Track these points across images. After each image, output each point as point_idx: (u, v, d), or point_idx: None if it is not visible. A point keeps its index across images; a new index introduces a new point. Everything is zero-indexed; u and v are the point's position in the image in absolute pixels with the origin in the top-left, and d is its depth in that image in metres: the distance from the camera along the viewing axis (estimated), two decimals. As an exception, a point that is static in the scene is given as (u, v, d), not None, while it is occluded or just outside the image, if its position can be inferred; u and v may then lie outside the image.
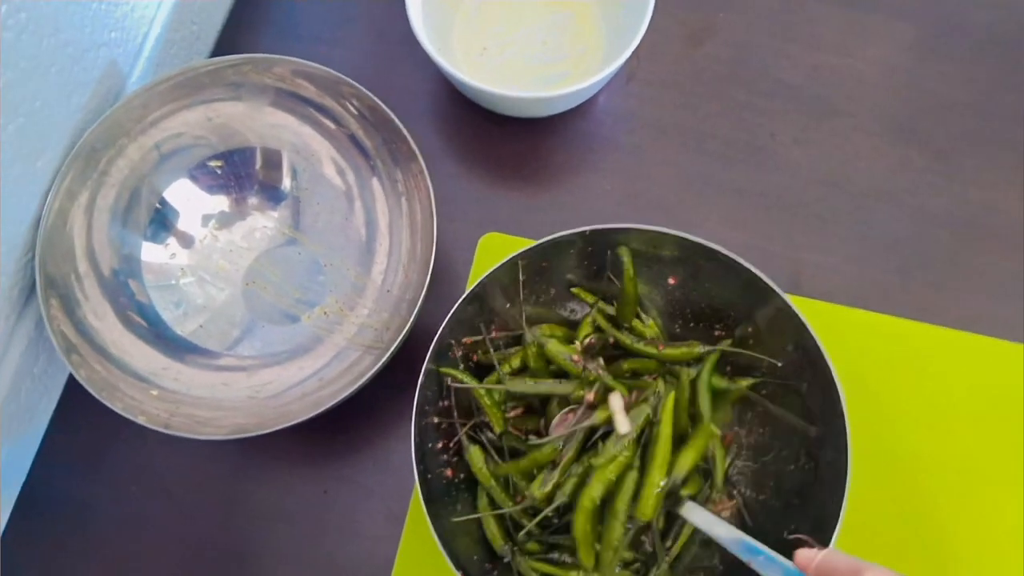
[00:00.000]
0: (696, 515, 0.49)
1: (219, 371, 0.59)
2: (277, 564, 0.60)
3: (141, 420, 0.53)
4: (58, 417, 0.63)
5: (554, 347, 0.55)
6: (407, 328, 0.54)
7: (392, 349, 0.54)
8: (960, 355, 0.62)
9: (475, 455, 0.54)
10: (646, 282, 0.57)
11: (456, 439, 0.55)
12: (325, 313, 0.62)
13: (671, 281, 0.57)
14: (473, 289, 0.53)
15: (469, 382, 0.54)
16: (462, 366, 0.56)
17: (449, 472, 0.55)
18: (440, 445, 0.55)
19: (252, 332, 0.61)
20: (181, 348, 0.59)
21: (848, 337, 0.62)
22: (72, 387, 0.63)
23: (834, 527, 0.46)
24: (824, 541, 0.46)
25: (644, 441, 0.52)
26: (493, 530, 0.54)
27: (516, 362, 0.56)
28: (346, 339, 0.61)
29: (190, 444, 0.61)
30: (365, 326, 0.61)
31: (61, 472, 0.62)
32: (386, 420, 0.62)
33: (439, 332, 0.51)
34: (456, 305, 0.52)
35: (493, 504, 0.55)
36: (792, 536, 0.48)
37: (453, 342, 0.54)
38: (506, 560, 0.53)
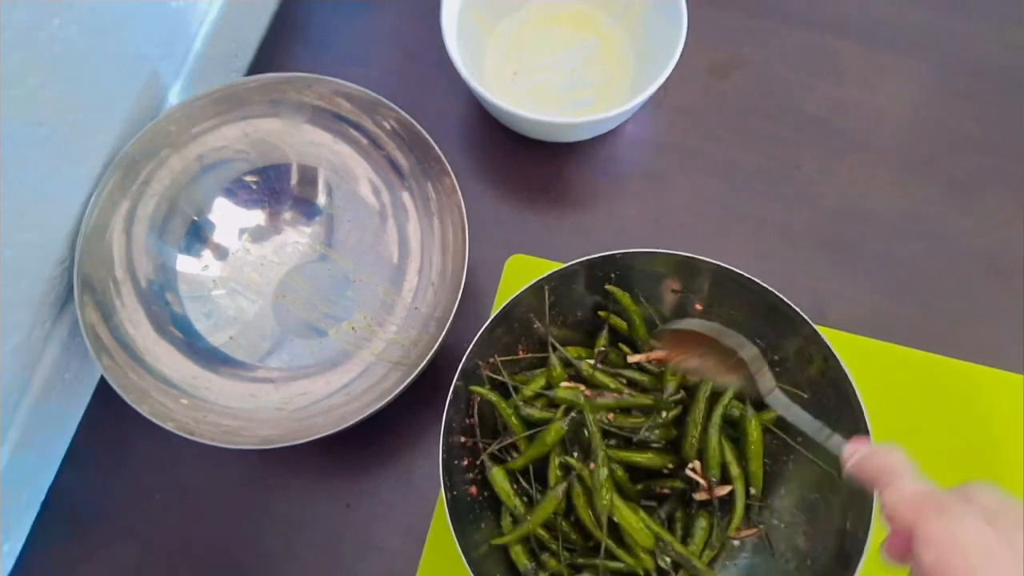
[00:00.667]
0: (780, 402, 0.48)
1: (249, 382, 0.60)
2: (298, 575, 0.60)
3: (169, 426, 0.54)
4: (86, 423, 0.63)
5: (563, 392, 0.55)
6: (436, 346, 0.55)
7: (421, 367, 0.55)
8: (980, 389, 0.62)
9: (497, 476, 0.55)
10: (670, 308, 0.58)
11: (481, 459, 0.56)
12: (353, 328, 0.63)
13: (697, 307, 0.58)
14: (501, 311, 0.53)
15: (498, 401, 0.55)
16: (488, 385, 0.56)
17: (473, 490, 0.55)
18: (465, 463, 0.55)
19: (281, 345, 0.62)
20: (213, 358, 0.60)
21: (870, 368, 0.62)
22: (101, 393, 0.64)
23: (860, 554, 0.46)
24: (850, 568, 0.46)
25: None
26: (517, 550, 0.54)
27: (539, 384, 0.57)
28: (374, 355, 0.61)
29: (215, 454, 0.61)
30: (393, 343, 0.61)
31: (87, 476, 0.62)
32: (410, 436, 0.62)
33: (467, 351, 0.52)
34: (484, 327, 0.53)
35: (516, 523, 0.55)
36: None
37: (480, 362, 0.55)
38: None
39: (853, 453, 0.38)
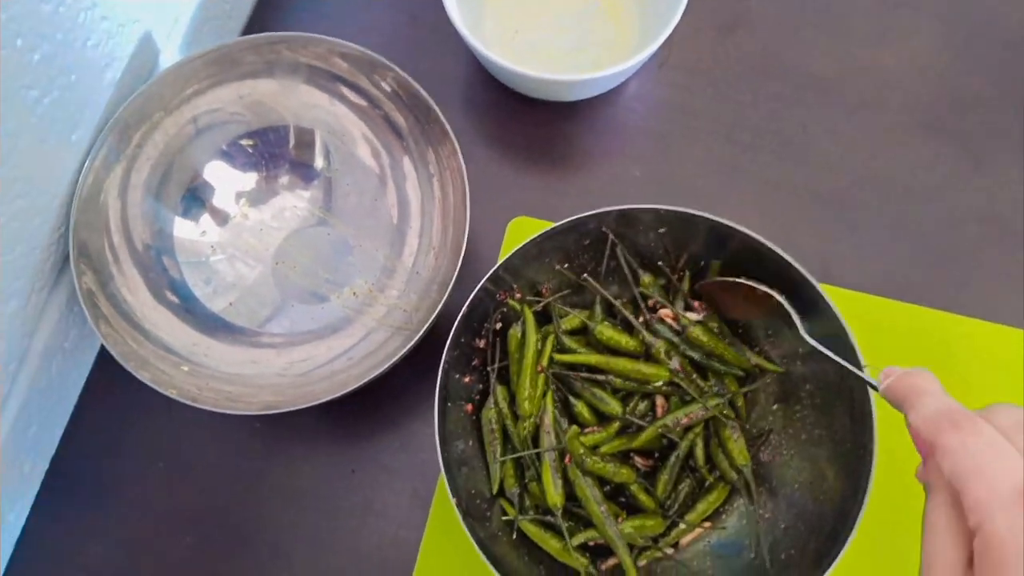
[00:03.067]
0: (814, 339, 0.49)
1: (249, 348, 0.59)
2: (301, 543, 0.60)
3: (171, 393, 0.53)
4: (87, 393, 0.63)
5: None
6: (437, 311, 0.54)
7: (422, 331, 0.54)
8: (988, 345, 0.62)
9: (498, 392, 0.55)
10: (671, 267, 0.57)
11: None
12: (354, 294, 0.62)
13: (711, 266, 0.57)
14: (495, 270, 0.53)
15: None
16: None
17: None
18: (467, 408, 0.56)
19: (282, 311, 0.61)
20: (213, 325, 0.60)
21: (875, 325, 0.62)
22: (101, 363, 0.63)
23: (858, 513, 0.46)
24: (847, 528, 0.46)
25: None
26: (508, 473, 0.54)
27: (576, 322, 0.57)
28: (375, 320, 0.61)
29: (217, 421, 0.61)
30: (394, 307, 0.61)
31: (89, 447, 0.62)
32: (413, 402, 0.62)
33: (472, 296, 0.52)
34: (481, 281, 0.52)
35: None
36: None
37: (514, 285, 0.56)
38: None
39: (887, 377, 0.39)
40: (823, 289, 0.50)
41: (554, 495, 0.52)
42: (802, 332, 0.49)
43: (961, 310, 0.63)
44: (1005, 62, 0.69)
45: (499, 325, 0.57)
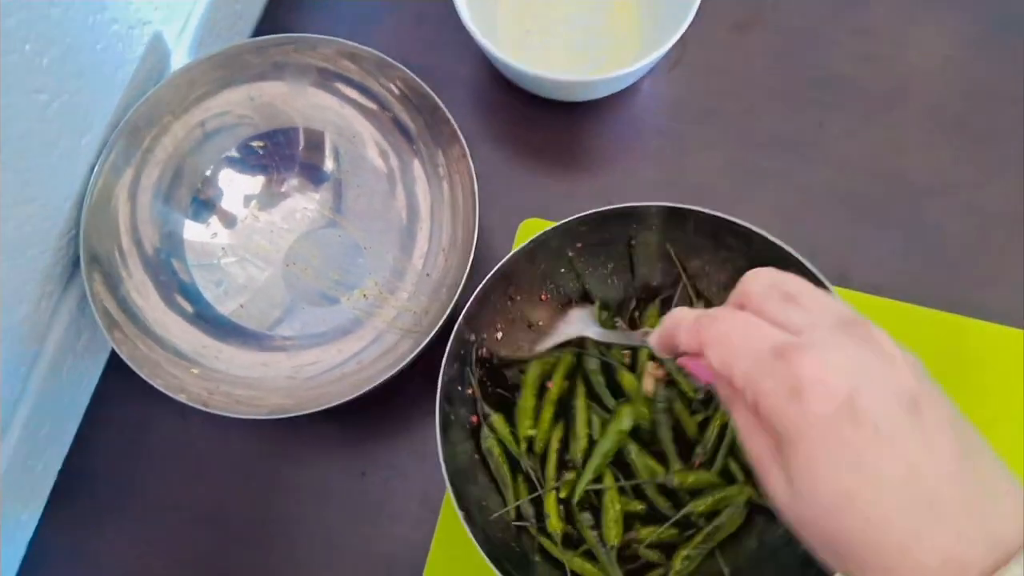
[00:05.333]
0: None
1: (260, 351, 0.59)
2: (313, 544, 0.60)
3: (182, 398, 0.53)
4: (99, 394, 0.63)
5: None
6: (447, 313, 0.54)
7: (432, 334, 0.54)
8: (1008, 352, 0.60)
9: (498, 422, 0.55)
10: (687, 270, 0.57)
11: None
12: (365, 296, 0.62)
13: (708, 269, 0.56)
14: (497, 270, 0.53)
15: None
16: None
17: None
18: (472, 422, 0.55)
19: (292, 313, 0.61)
20: (223, 328, 0.60)
21: (898, 332, 0.60)
22: (113, 365, 0.64)
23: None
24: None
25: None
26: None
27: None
28: (385, 322, 0.60)
29: (229, 424, 0.61)
30: (404, 310, 0.60)
31: (102, 447, 0.62)
32: (424, 405, 0.61)
33: (469, 302, 0.52)
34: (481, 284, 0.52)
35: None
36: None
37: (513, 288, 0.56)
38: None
39: (653, 338, 0.39)
40: (837, 293, 0.49)
41: (556, 522, 0.52)
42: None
43: (984, 315, 0.61)
44: (1029, 58, 0.68)
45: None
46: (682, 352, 0.37)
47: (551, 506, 0.52)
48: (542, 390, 0.55)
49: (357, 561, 0.59)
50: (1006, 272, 0.63)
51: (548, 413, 0.54)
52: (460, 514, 0.48)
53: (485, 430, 0.54)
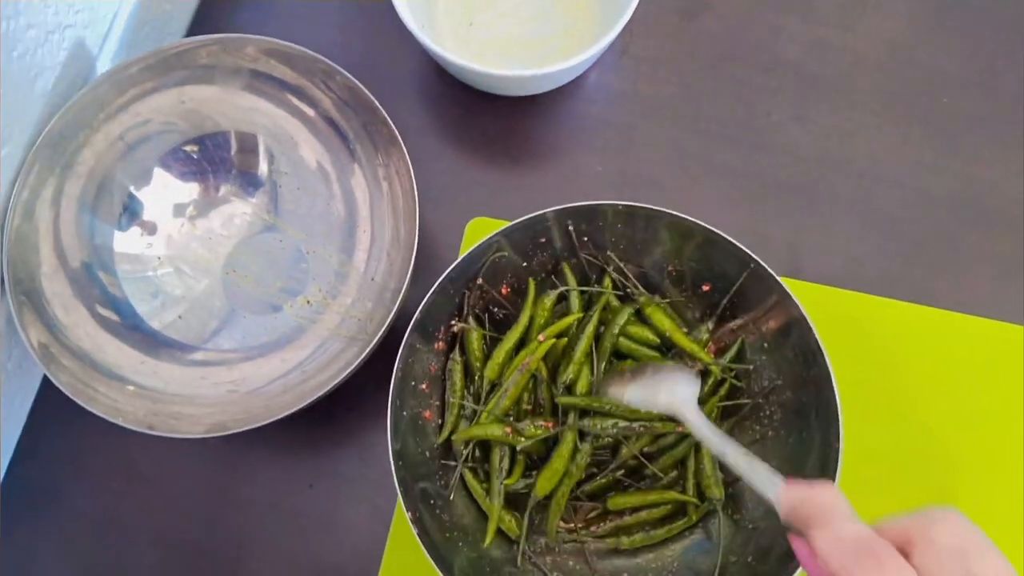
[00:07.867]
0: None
1: (198, 366, 0.57)
2: (262, 559, 0.58)
3: (119, 421, 0.52)
4: (36, 412, 0.61)
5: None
6: (390, 318, 0.52)
7: (375, 341, 0.52)
8: (961, 338, 0.60)
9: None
10: (647, 266, 0.56)
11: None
12: (308, 302, 0.60)
13: (669, 268, 0.56)
14: (447, 274, 0.52)
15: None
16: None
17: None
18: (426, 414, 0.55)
19: (232, 323, 0.59)
20: (157, 342, 0.57)
21: (849, 322, 0.60)
22: (48, 384, 0.61)
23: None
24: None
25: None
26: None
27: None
28: (328, 330, 0.59)
29: (171, 440, 0.59)
30: (348, 316, 0.59)
31: (40, 468, 0.60)
32: (370, 413, 0.60)
33: (423, 302, 0.51)
34: (432, 288, 0.51)
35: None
36: None
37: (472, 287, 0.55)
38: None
39: (788, 499, 0.35)
40: (787, 285, 0.49)
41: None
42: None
43: (934, 302, 0.61)
44: (977, 42, 0.67)
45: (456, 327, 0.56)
46: (798, 531, 0.34)
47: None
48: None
49: (309, 573, 0.58)
50: (958, 258, 0.62)
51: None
52: (408, 515, 0.48)
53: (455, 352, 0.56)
